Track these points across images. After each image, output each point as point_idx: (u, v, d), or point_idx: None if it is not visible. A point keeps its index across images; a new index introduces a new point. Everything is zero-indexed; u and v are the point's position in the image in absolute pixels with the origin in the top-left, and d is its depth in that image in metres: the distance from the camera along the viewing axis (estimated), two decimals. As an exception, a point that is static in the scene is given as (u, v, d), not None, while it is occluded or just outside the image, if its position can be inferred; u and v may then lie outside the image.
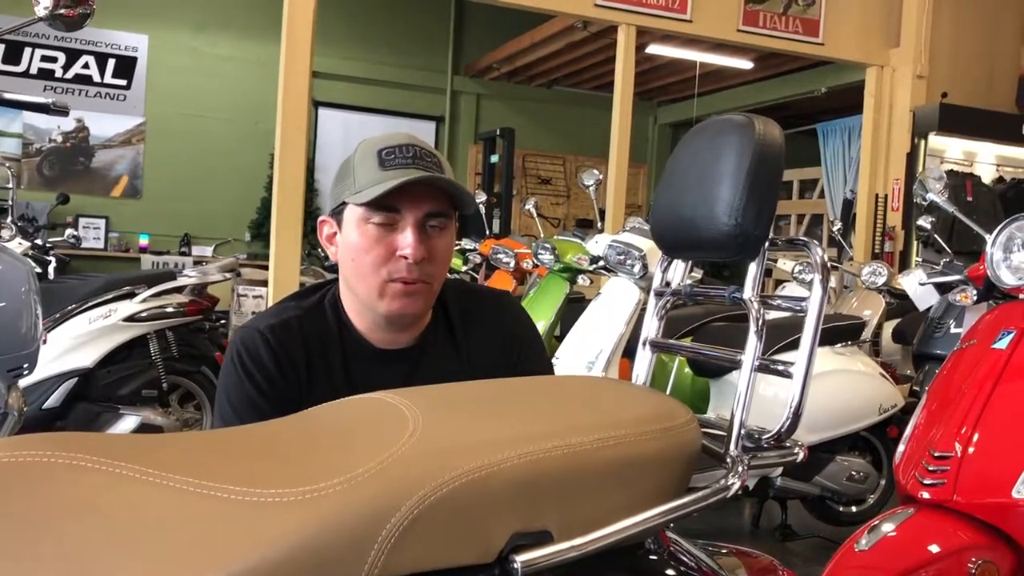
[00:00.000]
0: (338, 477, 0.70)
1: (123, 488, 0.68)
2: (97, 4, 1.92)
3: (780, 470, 3.25)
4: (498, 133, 8.39)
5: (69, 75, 8.67)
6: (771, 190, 0.93)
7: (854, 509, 3.69)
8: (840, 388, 3.41)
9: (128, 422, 3.86)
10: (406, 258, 1.30)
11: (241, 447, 0.79)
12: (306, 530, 0.66)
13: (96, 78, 8.78)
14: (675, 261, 1.11)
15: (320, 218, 1.44)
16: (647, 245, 3.36)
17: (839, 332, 3.61)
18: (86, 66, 8.73)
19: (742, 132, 0.94)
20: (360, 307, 1.40)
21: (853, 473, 3.51)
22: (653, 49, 7.91)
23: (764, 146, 0.93)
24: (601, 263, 3.81)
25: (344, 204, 1.35)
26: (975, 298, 2.48)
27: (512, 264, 4.78)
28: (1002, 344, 1.85)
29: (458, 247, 6.06)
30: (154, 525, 0.66)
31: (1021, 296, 1.96)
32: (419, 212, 1.32)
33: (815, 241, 0.94)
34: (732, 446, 0.90)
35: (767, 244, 0.95)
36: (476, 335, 1.47)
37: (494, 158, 8.54)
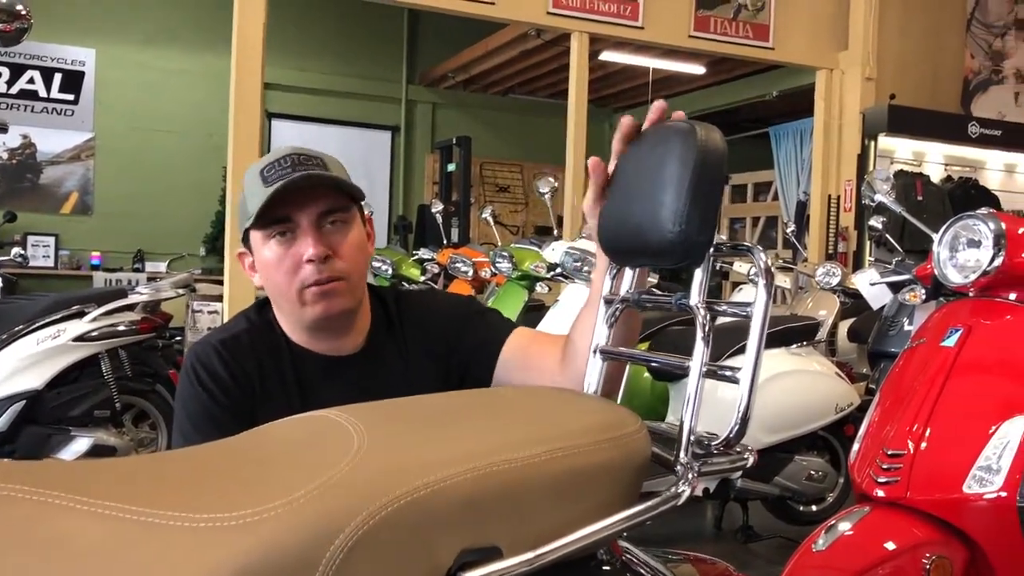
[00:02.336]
0: (280, 499, 0.68)
1: (57, 518, 0.66)
2: (34, 19, 1.89)
3: (740, 472, 3.28)
4: (454, 142, 8.39)
5: (14, 90, 8.50)
6: (714, 196, 0.93)
7: (814, 508, 3.74)
8: (796, 389, 3.45)
9: (80, 444, 3.78)
10: (311, 261, 1.31)
11: (181, 471, 0.77)
12: (247, 555, 0.65)
13: (42, 93, 8.62)
14: (624, 268, 1.11)
15: (237, 253, 1.46)
16: (603, 251, 3.37)
17: (794, 333, 3.65)
18: (31, 81, 8.57)
19: (684, 139, 0.94)
20: (293, 321, 1.41)
21: (812, 472, 3.55)
22: (606, 56, 7.96)
23: (706, 152, 0.93)
24: (558, 270, 3.82)
25: (248, 232, 1.37)
26: (924, 297, 2.52)
27: (470, 273, 4.78)
28: (950, 342, 1.88)
29: (415, 257, 6.04)
30: (89, 556, 0.64)
31: (969, 294, 2.00)
32: (311, 214, 1.33)
33: (759, 247, 0.95)
34: (682, 453, 0.90)
35: (712, 250, 0.95)
36: (417, 330, 1.47)
37: (451, 167, 8.54)
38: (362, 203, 1.43)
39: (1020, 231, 1.90)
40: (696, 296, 0.95)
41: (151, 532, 0.65)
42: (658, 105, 1.09)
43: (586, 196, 1.18)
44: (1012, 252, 1.86)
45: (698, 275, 0.96)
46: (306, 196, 1.32)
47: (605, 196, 1.14)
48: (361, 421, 0.79)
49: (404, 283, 5.60)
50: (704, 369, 0.92)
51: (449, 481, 0.73)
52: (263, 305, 1.47)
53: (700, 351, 0.92)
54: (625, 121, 1.11)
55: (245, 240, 1.40)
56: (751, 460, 0.94)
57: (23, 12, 1.82)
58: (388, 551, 0.70)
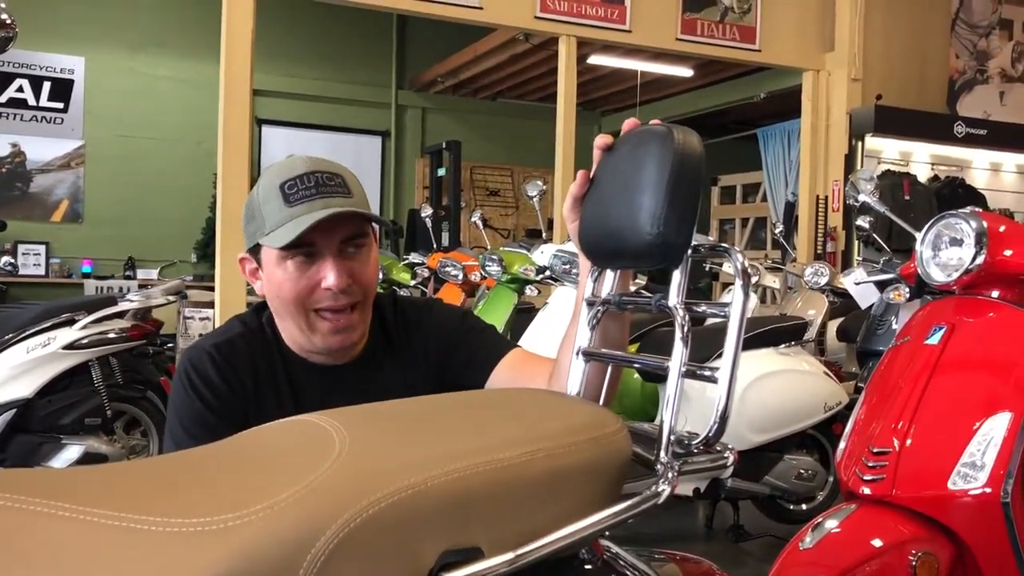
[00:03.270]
0: (262, 503, 0.69)
1: (39, 526, 0.66)
2: (21, 28, 1.89)
3: (729, 471, 3.29)
4: (444, 146, 8.38)
5: (3, 99, 8.48)
6: (692, 198, 0.94)
7: (804, 507, 3.75)
8: (785, 388, 3.46)
9: (71, 452, 3.77)
10: (330, 289, 1.31)
11: (164, 476, 0.78)
12: (229, 559, 0.66)
13: (31, 101, 8.60)
14: (605, 271, 1.12)
15: (239, 257, 1.43)
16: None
17: (783, 332, 3.67)
18: (20, 90, 8.54)
19: (662, 142, 0.96)
20: (297, 334, 1.40)
21: (801, 471, 3.57)
22: (594, 59, 7.98)
23: (684, 155, 0.94)
24: (548, 273, 3.84)
25: (259, 244, 1.35)
26: (908, 295, 2.54)
27: (460, 277, 4.79)
28: (934, 340, 1.89)
29: (406, 261, 6.05)
30: (72, 563, 0.65)
31: (953, 292, 2.01)
32: (334, 241, 1.32)
33: (736, 248, 0.96)
34: (662, 452, 0.91)
35: (691, 251, 0.96)
36: (414, 339, 1.48)
37: (441, 171, 8.54)
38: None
39: (1001, 229, 1.91)
40: (675, 297, 0.96)
41: (134, 537, 0.66)
42: (631, 122, 1.10)
43: (564, 204, 1.20)
44: (994, 250, 1.88)
45: (676, 276, 0.97)
46: (330, 222, 1.30)
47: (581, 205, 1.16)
48: (342, 424, 0.80)
49: (395, 287, 5.60)
50: (683, 369, 0.93)
51: (430, 483, 0.73)
52: (259, 310, 1.46)
53: (679, 351, 0.93)
54: (601, 140, 1.13)
55: (253, 249, 1.38)
56: (731, 459, 0.95)
57: (8, 21, 1.82)
58: (369, 553, 0.70)
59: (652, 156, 0.96)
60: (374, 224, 1.40)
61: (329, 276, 1.30)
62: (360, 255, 1.35)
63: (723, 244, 0.98)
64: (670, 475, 0.89)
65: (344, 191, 1.32)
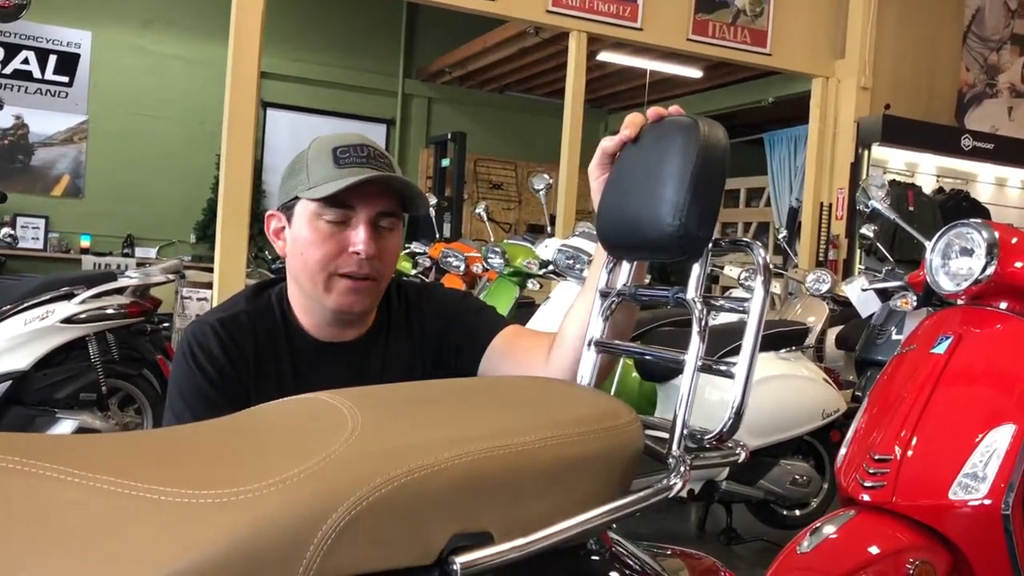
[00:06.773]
0: (274, 478, 0.68)
1: (47, 490, 0.65)
2: (34, -5, 1.87)
3: (725, 473, 3.29)
4: (449, 137, 8.37)
5: (8, 70, 8.45)
6: (715, 191, 0.93)
7: (798, 513, 3.74)
8: (784, 393, 3.46)
9: (64, 426, 3.76)
10: (358, 254, 1.32)
11: (174, 447, 0.77)
12: (239, 532, 0.65)
13: (36, 74, 8.57)
14: (621, 261, 1.11)
15: (268, 212, 1.44)
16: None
17: (783, 337, 3.66)
18: (26, 61, 8.52)
19: (687, 133, 0.95)
20: (307, 303, 1.41)
21: (797, 477, 3.56)
22: (604, 56, 7.97)
23: (708, 148, 0.93)
24: (551, 267, 3.83)
25: (296, 199, 1.36)
26: (915, 304, 2.53)
27: (462, 268, 4.77)
28: (940, 349, 1.89)
29: (407, 250, 6.04)
30: (80, 529, 0.64)
31: (959, 302, 2.00)
32: (372, 210, 1.34)
33: (758, 243, 0.95)
34: (674, 446, 0.90)
35: (711, 245, 0.95)
36: (413, 319, 1.49)
37: (445, 162, 8.53)
38: None
39: (1013, 241, 1.91)
40: (693, 291, 0.95)
41: (142, 506, 0.65)
42: (656, 110, 1.09)
43: (593, 160, 1.18)
44: (1004, 261, 1.87)
45: (695, 270, 0.96)
46: (373, 191, 1.33)
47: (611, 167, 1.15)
48: (356, 404, 0.79)
49: (396, 275, 5.59)
50: (699, 364, 0.92)
51: (443, 465, 0.72)
52: (261, 288, 1.47)
53: (696, 345, 0.92)
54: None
55: (288, 205, 1.38)
56: (743, 455, 0.95)
57: (22, -12, 1.80)
58: (381, 532, 0.69)
59: (676, 147, 0.95)
60: (405, 213, 1.42)
61: (360, 243, 1.32)
62: (389, 235, 1.38)
63: (744, 239, 0.97)
64: (682, 469, 0.88)
65: (392, 171, 1.36)
